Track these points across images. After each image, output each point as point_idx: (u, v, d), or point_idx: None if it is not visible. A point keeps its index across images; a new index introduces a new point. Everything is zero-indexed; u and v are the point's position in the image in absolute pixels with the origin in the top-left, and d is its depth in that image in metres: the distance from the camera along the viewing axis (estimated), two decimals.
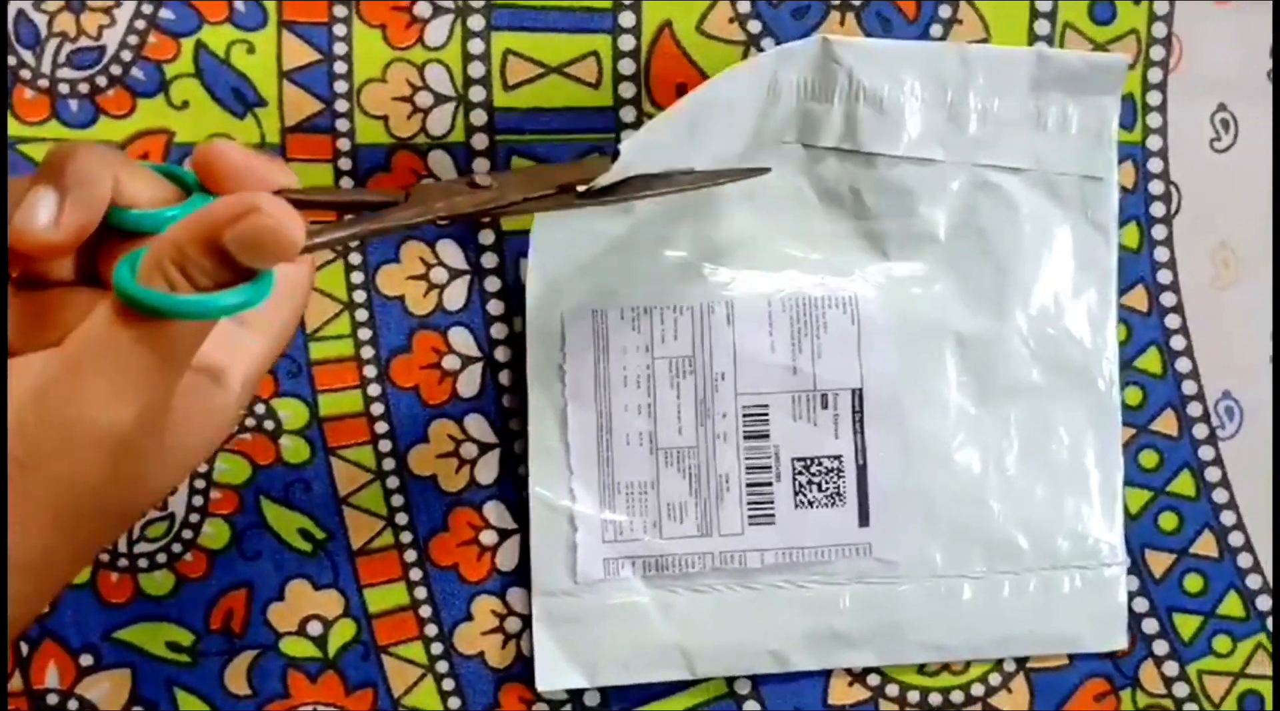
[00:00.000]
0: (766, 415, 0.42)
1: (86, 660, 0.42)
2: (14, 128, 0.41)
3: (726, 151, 0.40)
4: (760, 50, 0.42)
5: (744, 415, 0.42)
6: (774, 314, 0.42)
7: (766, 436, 0.42)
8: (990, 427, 0.43)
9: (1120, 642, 0.43)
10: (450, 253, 0.43)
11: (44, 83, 0.41)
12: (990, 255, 0.42)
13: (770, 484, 0.42)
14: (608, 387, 0.42)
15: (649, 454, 0.42)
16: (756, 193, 0.41)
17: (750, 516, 0.42)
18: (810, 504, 0.42)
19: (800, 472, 0.42)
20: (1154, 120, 0.44)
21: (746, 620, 0.42)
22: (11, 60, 0.41)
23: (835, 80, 0.41)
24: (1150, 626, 0.44)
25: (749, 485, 0.42)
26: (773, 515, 0.42)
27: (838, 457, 0.42)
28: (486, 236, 0.43)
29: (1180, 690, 0.44)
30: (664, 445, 0.42)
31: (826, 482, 0.42)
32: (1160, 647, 0.44)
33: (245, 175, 0.30)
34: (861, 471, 0.42)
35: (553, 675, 0.42)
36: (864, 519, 0.42)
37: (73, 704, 0.42)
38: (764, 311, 0.42)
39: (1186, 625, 0.44)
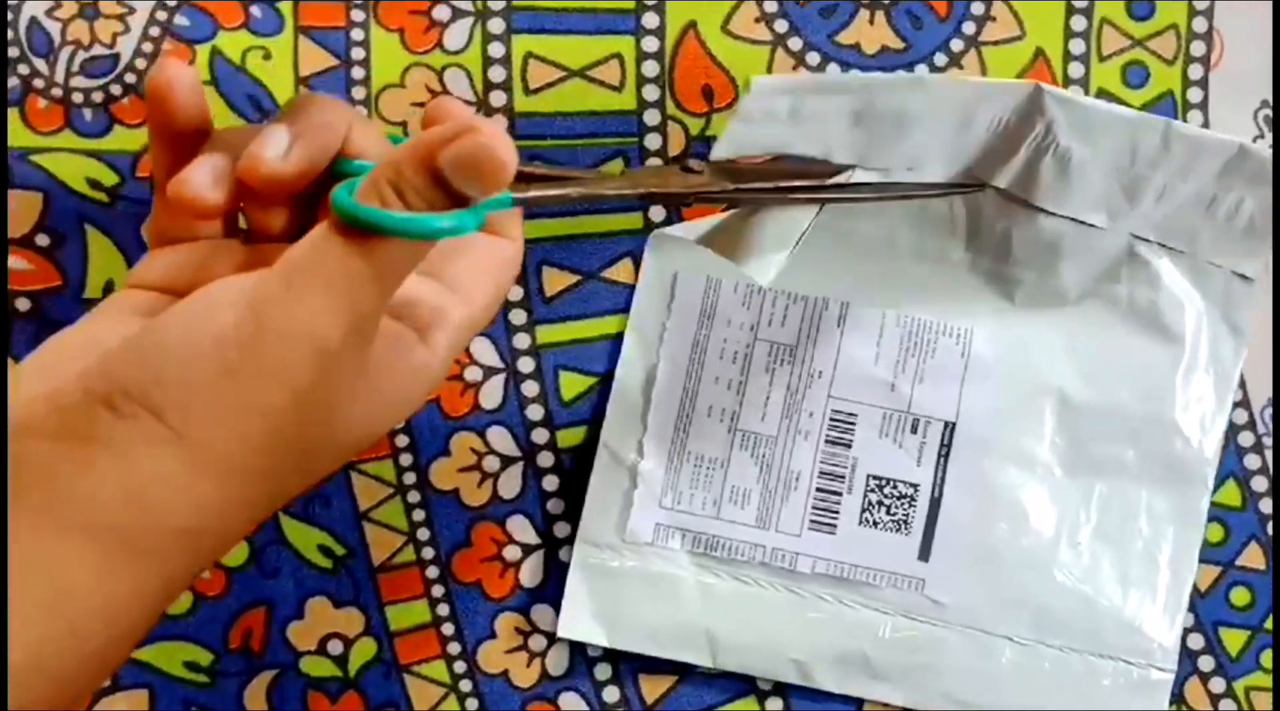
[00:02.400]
0: (854, 425, 0.41)
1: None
2: (27, 138, 0.41)
3: (896, 159, 0.38)
4: (787, 51, 0.41)
5: (831, 419, 0.41)
6: (886, 326, 0.41)
7: (849, 445, 0.41)
8: (1072, 496, 0.41)
9: None
10: None
11: (58, 92, 0.41)
12: (1117, 328, 0.41)
13: (840, 494, 0.41)
14: (703, 356, 0.41)
15: (727, 432, 0.41)
16: (910, 204, 0.40)
17: (812, 521, 0.41)
18: (875, 524, 0.41)
19: (873, 490, 0.41)
20: (1194, 118, 0.42)
21: (781, 623, 0.41)
22: (24, 69, 0.41)
23: (1032, 128, 0.39)
24: (1196, 642, 0.42)
25: (818, 490, 0.41)
26: (835, 526, 0.41)
27: (914, 485, 0.41)
28: None
29: (1227, 706, 0.42)
30: (744, 427, 0.41)
31: (896, 507, 0.41)
32: (1206, 663, 0.42)
33: None
34: (934, 505, 0.41)
35: (576, 625, 0.41)
36: (925, 553, 0.41)
37: None
38: (877, 322, 0.41)
39: (1233, 640, 0.42)
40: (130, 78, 0.41)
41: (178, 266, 0.31)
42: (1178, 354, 0.41)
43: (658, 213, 0.42)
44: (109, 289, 0.41)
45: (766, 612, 0.41)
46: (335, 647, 0.42)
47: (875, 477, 0.41)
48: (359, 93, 0.41)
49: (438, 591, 0.42)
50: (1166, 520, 0.41)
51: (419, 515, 0.42)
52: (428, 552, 0.42)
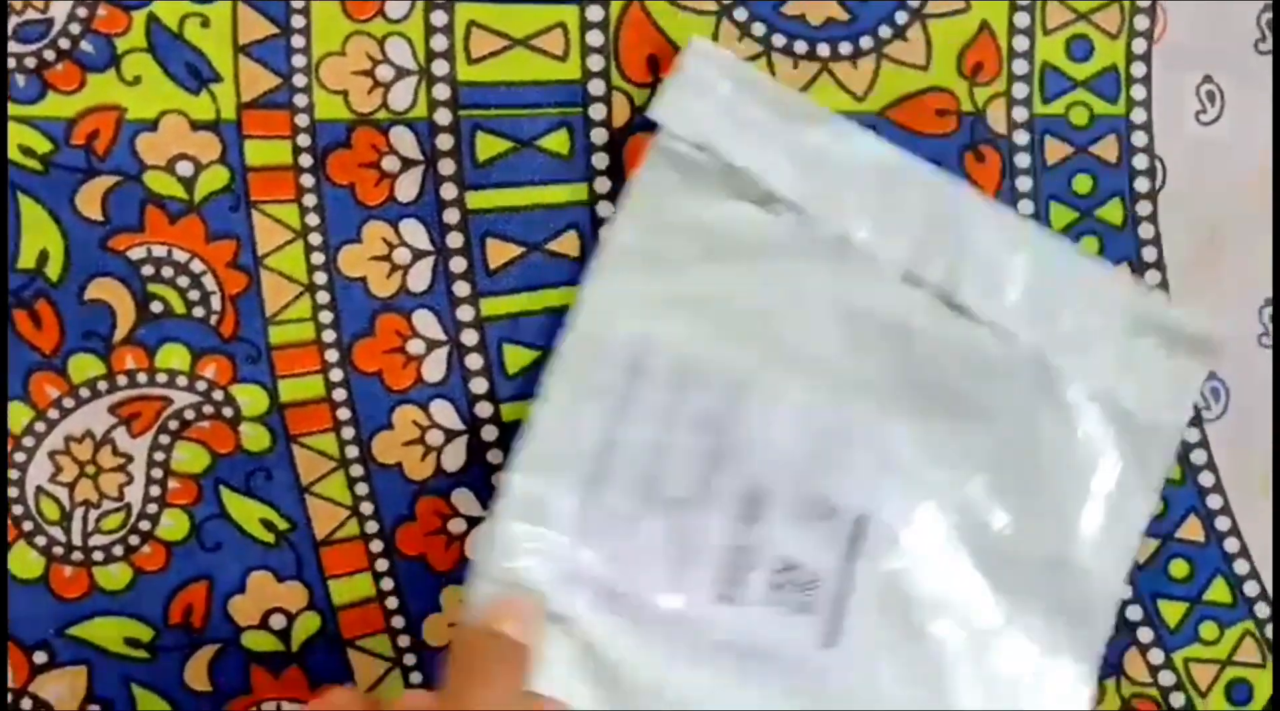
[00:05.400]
0: (767, 505, 0.40)
1: (40, 657, 0.41)
2: None
3: (835, 213, 0.40)
4: (733, 22, 0.41)
5: (745, 495, 0.40)
6: (810, 415, 0.40)
7: (760, 523, 0.40)
8: (973, 612, 0.40)
9: None
10: (413, 232, 0.41)
11: None
12: (1036, 460, 0.41)
13: (747, 569, 0.40)
14: (626, 410, 0.40)
15: (642, 490, 0.40)
16: (856, 312, 0.40)
17: (717, 591, 0.40)
18: (779, 605, 0.40)
19: (780, 571, 0.40)
20: (1138, 92, 0.43)
21: (674, 689, 0.40)
22: None
23: (951, 225, 0.40)
24: (1134, 613, 0.43)
25: (726, 562, 0.40)
26: (738, 599, 0.40)
27: (821, 573, 0.40)
28: (452, 215, 0.41)
29: (1166, 679, 0.43)
30: (660, 488, 0.40)
31: (802, 592, 0.40)
32: (1145, 635, 0.43)
33: None
34: (841, 596, 0.40)
35: None
36: (827, 641, 0.40)
37: (26, 703, 0.40)
38: (802, 409, 0.40)
39: (1172, 612, 0.43)
40: (64, 43, 0.40)
41: None
42: (1090, 500, 0.41)
43: (602, 184, 0.42)
44: (43, 259, 0.40)
45: (660, 674, 0.39)
46: (278, 622, 0.41)
47: (783, 559, 0.40)
48: (299, 60, 0.41)
49: (381, 565, 0.41)
50: (1066, 661, 0.41)
51: (362, 489, 0.41)
52: (371, 526, 0.41)
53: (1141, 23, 0.42)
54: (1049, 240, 0.41)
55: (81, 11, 0.40)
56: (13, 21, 0.40)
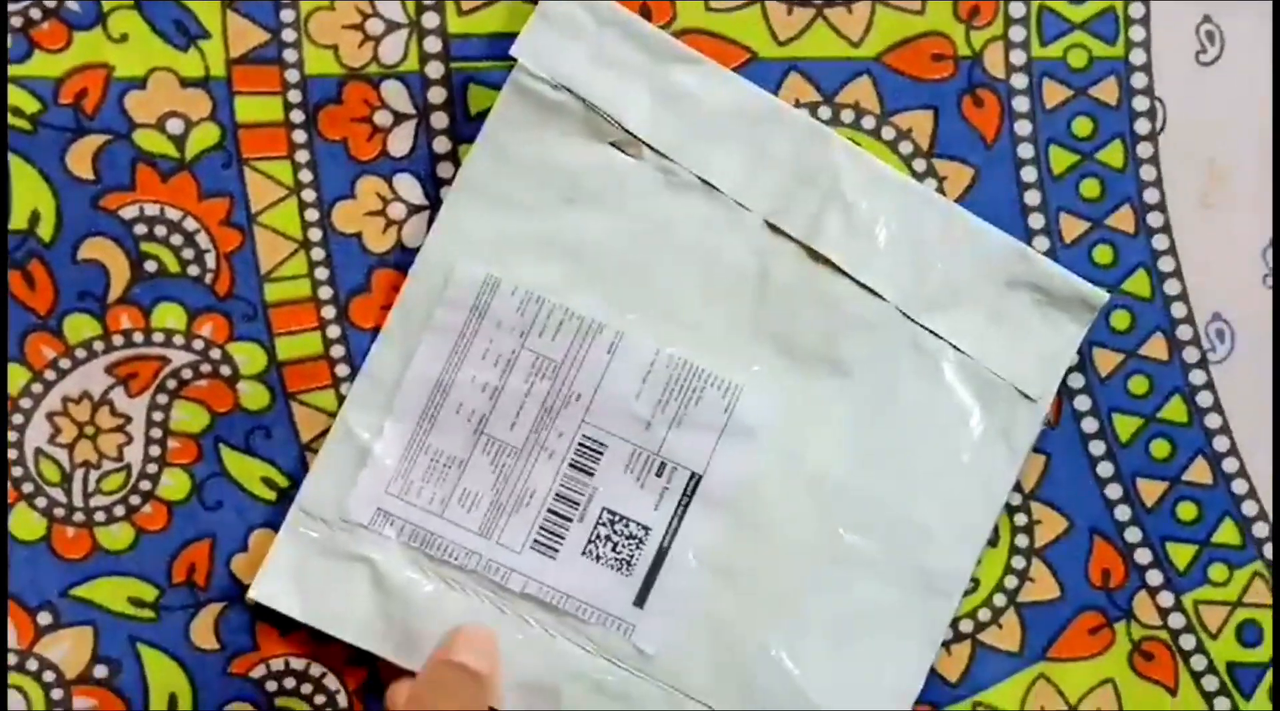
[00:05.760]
0: (600, 455, 0.40)
1: (45, 618, 0.41)
2: None
3: (691, 153, 0.40)
4: None
5: (579, 443, 0.40)
6: (656, 365, 0.40)
7: (591, 474, 0.40)
8: (809, 580, 0.40)
9: None
10: (408, 187, 0.41)
11: None
12: (892, 418, 0.40)
13: (570, 520, 0.40)
14: (465, 352, 0.40)
15: (472, 433, 0.40)
16: (715, 261, 0.40)
17: (535, 541, 0.40)
18: (598, 558, 0.40)
19: (604, 523, 0.40)
20: (1136, 33, 0.42)
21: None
22: None
23: (819, 174, 0.39)
24: (1143, 556, 0.42)
25: (549, 511, 0.40)
26: (557, 551, 0.40)
27: (646, 528, 0.40)
28: (445, 169, 0.41)
29: (1176, 621, 0.42)
30: (490, 433, 0.40)
31: (623, 546, 0.40)
32: (1154, 578, 0.42)
33: None
34: (662, 553, 0.40)
35: (271, 589, 0.40)
36: (641, 599, 0.40)
37: (32, 664, 0.40)
38: (648, 359, 0.40)
39: (1180, 554, 0.42)
40: (50, 1, 0.40)
41: None
42: (948, 462, 0.40)
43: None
44: (35, 220, 0.40)
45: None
46: None
47: (610, 512, 0.40)
48: (287, 15, 0.40)
49: None
50: (903, 632, 0.40)
51: None
52: None
53: None
54: (921, 194, 0.41)
55: None
56: None
